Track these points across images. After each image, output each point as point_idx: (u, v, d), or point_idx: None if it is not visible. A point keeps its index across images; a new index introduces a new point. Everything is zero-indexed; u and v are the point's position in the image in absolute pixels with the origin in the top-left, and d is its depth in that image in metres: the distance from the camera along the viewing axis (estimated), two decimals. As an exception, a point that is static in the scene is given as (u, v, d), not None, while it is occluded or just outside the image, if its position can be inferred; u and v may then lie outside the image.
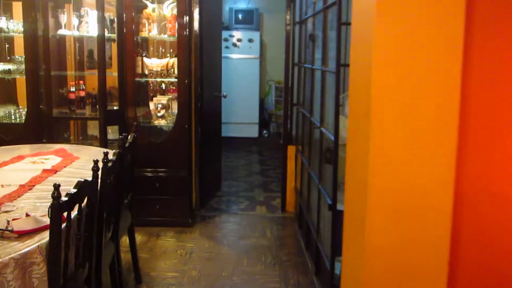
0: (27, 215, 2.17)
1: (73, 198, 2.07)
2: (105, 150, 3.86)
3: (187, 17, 4.64)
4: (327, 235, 3.39)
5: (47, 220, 2.05)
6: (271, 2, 9.44)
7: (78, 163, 3.37)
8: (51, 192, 2.64)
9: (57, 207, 1.94)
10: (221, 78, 6.07)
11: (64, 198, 1.98)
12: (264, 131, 9.42)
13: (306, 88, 4.55)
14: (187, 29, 4.65)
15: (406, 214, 1.94)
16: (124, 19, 4.62)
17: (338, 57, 3.05)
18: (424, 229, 1.95)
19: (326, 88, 3.59)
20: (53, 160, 3.42)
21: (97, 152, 3.82)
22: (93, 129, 5.33)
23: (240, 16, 9.26)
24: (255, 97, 9.12)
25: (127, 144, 3.11)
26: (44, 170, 3.11)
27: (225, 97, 6.01)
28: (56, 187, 1.93)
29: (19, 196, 2.61)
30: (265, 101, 9.63)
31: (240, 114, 8.86)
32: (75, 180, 2.89)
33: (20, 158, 3.48)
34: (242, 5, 9.50)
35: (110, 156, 2.69)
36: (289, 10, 5.23)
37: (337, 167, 3.08)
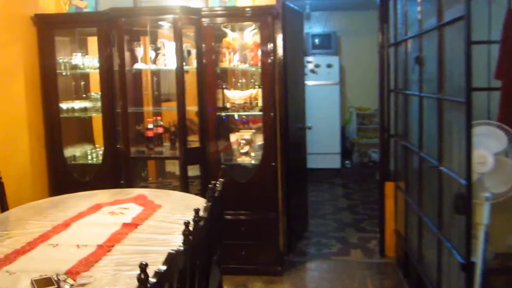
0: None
1: (163, 277, 1.63)
2: (189, 196, 3.48)
3: (271, 45, 4.23)
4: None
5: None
6: (349, 24, 8.94)
7: (160, 214, 2.97)
8: (132, 256, 2.26)
9: (145, 293, 1.51)
10: (304, 108, 5.61)
11: (152, 280, 1.55)
12: (347, 161, 8.83)
13: (410, 118, 3.99)
14: (271, 57, 4.24)
15: None
16: (204, 50, 4.27)
17: (469, 84, 2.50)
18: None
19: (444, 119, 3.02)
20: (133, 210, 3.04)
21: (179, 198, 3.45)
22: (171, 165, 5.00)
23: (317, 41, 8.81)
24: (335, 125, 8.57)
25: (216, 194, 2.67)
26: (124, 225, 2.73)
27: (310, 128, 5.54)
28: (143, 268, 1.50)
29: (96, 261, 2.22)
30: (346, 129, 9.07)
31: (321, 144, 8.28)
32: (159, 238, 2.51)
33: (98, 207, 3.13)
34: (318, 30, 9.05)
35: (201, 212, 2.25)
36: (381, 31, 4.70)
37: (471, 218, 2.51)
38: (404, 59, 4.12)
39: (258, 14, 4.21)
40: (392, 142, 4.67)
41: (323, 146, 8.37)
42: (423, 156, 3.47)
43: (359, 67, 8.89)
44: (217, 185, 2.69)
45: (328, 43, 8.75)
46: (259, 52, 4.28)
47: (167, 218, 2.89)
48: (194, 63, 4.35)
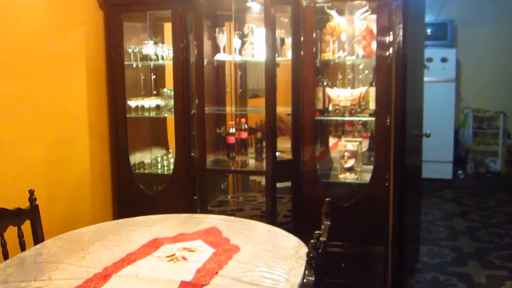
0: None
1: None
2: (277, 233, 2.54)
3: (391, 32, 3.25)
4: None
5: None
6: (469, 12, 7.66)
7: (237, 264, 2.10)
8: None
9: None
10: (422, 111, 4.55)
11: None
12: (460, 171, 7.59)
13: None
14: (390, 48, 3.27)
15: None
16: (302, 37, 3.37)
17: None
18: None
19: None
20: (200, 254, 2.20)
21: (264, 237, 2.54)
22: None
23: (429, 31, 7.59)
24: (449, 129, 7.34)
25: (320, 250, 1.76)
26: (184, 285, 1.89)
27: (428, 136, 4.46)
28: None
29: None
30: (459, 134, 7.81)
31: (430, 150, 6.98)
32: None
33: (154, 245, 2.32)
34: (431, 18, 7.82)
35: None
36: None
37: None
38: None
39: (375, -9, 3.25)
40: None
41: (432, 153, 7.10)
42: None
43: (478, 62, 7.67)
44: (320, 239, 1.77)
45: (443, 34, 7.53)
46: (376, 43, 3.32)
47: (245, 272, 2.02)
48: (288, 54, 3.49)
